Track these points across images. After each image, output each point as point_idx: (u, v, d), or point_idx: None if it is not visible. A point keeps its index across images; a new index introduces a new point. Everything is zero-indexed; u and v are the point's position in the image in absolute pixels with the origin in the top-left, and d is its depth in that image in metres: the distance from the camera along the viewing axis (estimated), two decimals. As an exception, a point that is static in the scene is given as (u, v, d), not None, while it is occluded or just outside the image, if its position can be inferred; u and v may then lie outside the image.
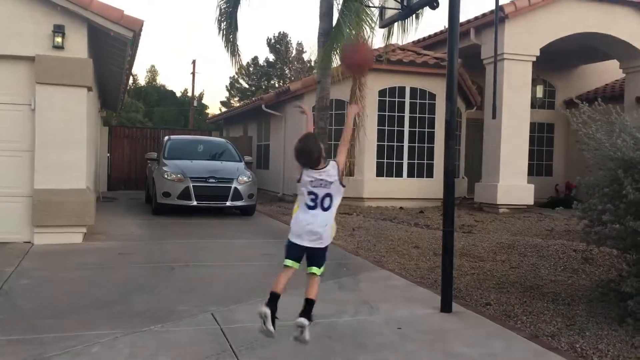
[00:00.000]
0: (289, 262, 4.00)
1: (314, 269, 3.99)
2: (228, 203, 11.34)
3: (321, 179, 4.01)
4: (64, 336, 4.20)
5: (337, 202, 4.06)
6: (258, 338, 4.28)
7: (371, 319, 4.91)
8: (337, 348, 4.17)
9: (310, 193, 4.02)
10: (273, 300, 3.90)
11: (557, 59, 16.41)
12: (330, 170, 4.04)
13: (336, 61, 11.76)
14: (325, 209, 4.02)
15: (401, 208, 13.85)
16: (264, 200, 15.51)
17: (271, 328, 3.81)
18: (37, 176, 7.70)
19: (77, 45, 7.74)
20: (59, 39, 7.51)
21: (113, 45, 8.80)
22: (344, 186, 4.07)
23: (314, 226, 3.95)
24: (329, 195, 4.03)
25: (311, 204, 4.01)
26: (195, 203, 11.13)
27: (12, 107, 7.75)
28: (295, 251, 3.99)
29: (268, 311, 3.82)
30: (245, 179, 11.67)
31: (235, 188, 11.37)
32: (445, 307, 5.07)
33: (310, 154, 4.03)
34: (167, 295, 5.52)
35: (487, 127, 14.43)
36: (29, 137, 7.78)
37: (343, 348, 4.18)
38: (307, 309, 3.89)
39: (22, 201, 7.79)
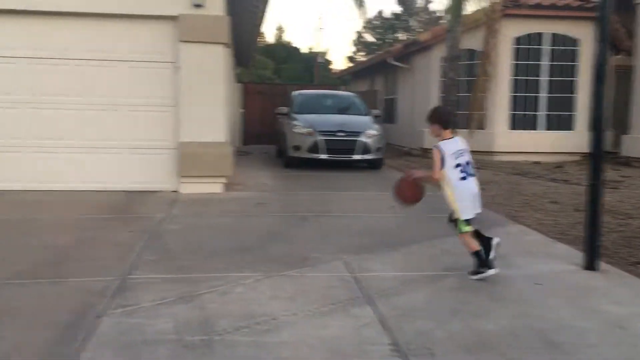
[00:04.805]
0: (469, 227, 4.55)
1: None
2: (356, 156, 11.44)
3: (459, 149, 4.51)
4: (211, 276, 4.52)
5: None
6: (392, 286, 4.35)
7: (507, 273, 4.75)
8: (472, 299, 4.11)
9: (458, 165, 4.46)
10: (483, 254, 4.49)
11: None
12: (459, 140, 4.59)
13: (467, 8, 11.25)
14: (472, 175, 4.54)
15: (536, 162, 13.16)
16: (391, 154, 15.44)
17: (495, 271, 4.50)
18: (182, 130, 8.24)
19: (215, 2, 8.04)
20: (199, -3, 7.87)
21: (246, 0, 9.06)
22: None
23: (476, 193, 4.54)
24: (469, 162, 4.53)
25: (461, 174, 4.46)
26: (324, 156, 11.34)
27: (158, 65, 8.30)
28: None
29: (495, 270, 4.49)
30: (373, 132, 11.67)
31: (364, 141, 11.42)
32: (589, 264, 4.78)
33: (452, 113, 4.93)
34: (301, 242, 5.73)
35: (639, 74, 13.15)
36: (174, 93, 8.31)
37: (478, 300, 4.11)
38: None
39: (169, 153, 8.40)
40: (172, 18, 8.07)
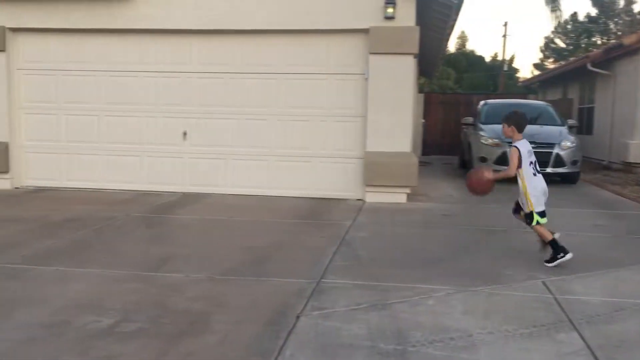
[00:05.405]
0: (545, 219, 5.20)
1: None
2: (549, 169, 10.70)
3: (530, 149, 5.20)
4: (400, 286, 4.51)
5: None
6: (600, 313, 3.97)
7: None
8: (701, 337, 3.58)
9: (531, 163, 5.15)
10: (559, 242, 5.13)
11: None
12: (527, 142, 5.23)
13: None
14: (540, 172, 5.22)
15: None
16: (587, 168, 14.20)
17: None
18: (369, 140, 8.40)
19: (406, 14, 8.09)
20: (390, 10, 7.96)
21: (436, 10, 9.00)
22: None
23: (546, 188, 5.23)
24: (536, 161, 5.22)
25: (533, 170, 5.15)
26: (512, 169, 10.78)
27: (348, 77, 8.58)
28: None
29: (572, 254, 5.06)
30: (568, 144, 10.85)
31: (558, 154, 10.67)
32: None
33: (527, 120, 5.44)
34: (491, 257, 5.50)
35: None
36: (362, 104, 8.51)
37: None
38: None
39: (356, 162, 8.62)
40: (364, 31, 8.27)
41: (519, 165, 5.11)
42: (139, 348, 3.33)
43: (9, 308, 3.92)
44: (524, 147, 5.19)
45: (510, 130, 5.29)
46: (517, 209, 5.39)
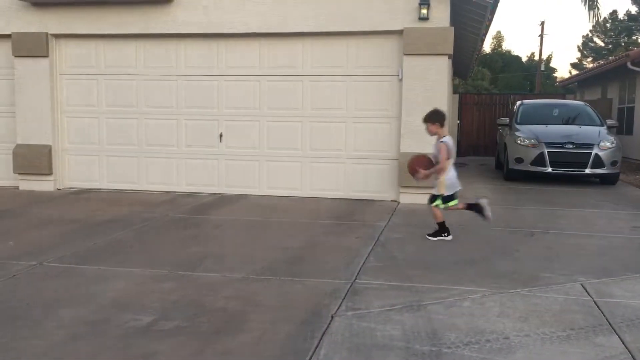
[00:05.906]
0: (453, 202, 6.04)
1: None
2: (587, 170, 10.51)
3: (452, 143, 5.96)
4: (435, 288, 4.50)
5: None
6: (640, 316, 3.89)
7: None
8: None
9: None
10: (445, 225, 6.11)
11: None
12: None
13: None
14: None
15: None
16: (626, 168, 13.89)
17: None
18: (403, 141, 8.38)
19: (441, 15, 8.05)
20: (424, 11, 7.92)
21: (471, 11, 8.92)
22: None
23: None
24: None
25: (452, 162, 6.00)
26: (549, 170, 10.63)
27: (381, 79, 8.57)
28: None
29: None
30: (607, 144, 10.63)
31: (596, 154, 10.46)
32: None
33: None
34: (529, 260, 5.43)
35: None
36: (396, 105, 8.50)
37: None
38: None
39: (390, 164, 8.61)
40: (398, 32, 8.26)
41: (448, 158, 5.84)
42: (176, 346, 3.41)
43: (54, 306, 4.06)
44: (450, 141, 5.93)
45: (435, 127, 5.93)
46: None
